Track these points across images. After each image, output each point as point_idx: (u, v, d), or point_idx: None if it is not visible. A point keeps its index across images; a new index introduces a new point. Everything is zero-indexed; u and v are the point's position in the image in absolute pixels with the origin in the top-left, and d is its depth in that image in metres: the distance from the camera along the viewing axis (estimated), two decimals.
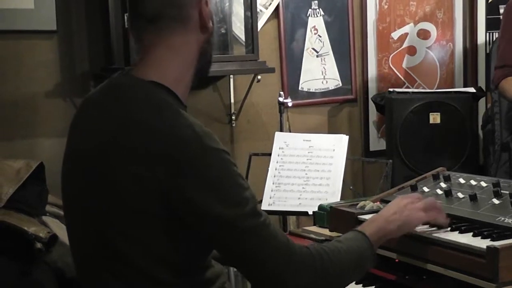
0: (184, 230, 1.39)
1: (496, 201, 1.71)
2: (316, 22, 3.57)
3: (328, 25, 3.59)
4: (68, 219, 1.57)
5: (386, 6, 3.75)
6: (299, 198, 2.53)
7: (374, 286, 1.73)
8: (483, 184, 1.84)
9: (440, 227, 1.63)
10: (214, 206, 1.35)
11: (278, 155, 2.67)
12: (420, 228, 1.63)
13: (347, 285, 1.57)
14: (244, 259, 1.40)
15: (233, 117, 3.35)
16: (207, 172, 1.36)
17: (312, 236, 2.08)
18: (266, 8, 3.42)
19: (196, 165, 1.35)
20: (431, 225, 1.64)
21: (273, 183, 2.58)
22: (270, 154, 2.68)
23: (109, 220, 1.41)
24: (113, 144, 1.40)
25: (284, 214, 2.86)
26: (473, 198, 1.74)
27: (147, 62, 1.48)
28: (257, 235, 1.38)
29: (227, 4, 3.17)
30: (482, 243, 1.49)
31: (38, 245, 2.28)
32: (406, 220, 1.58)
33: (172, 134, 1.36)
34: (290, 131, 3.15)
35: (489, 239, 1.52)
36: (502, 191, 1.74)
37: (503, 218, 1.62)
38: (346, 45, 3.65)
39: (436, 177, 1.97)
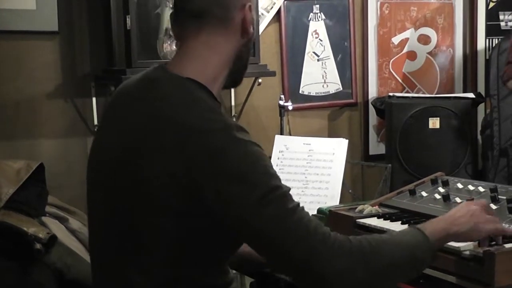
0: (214, 227, 1.38)
1: (493, 206, 1.72)
2: (317, 26, 3.59)
3: (329, 29, 3.61)
4: (92, 213, 1.55)
5: (387, 11, 3.77)
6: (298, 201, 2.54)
7: None
8: (481, 189, 1.85)
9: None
10: (244, 195, 1.33)
11: (278, 158, 2.68)
12: None
13: (400, 281, 1.48)
14: (274, 247, 1.35)
15: (234, 120, 3.36)
16: (236, 162, 1.34)
17: None
18: (268, 12, 3.43)
19: (225, 156, 1.34)
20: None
21: None
22: (270, 157, 2.69)
23: (138, 216, 1.40)
24: (145, 140, 1.40)
25: None
26: None
27: (185, 58, 1.49)
28: (287, 221, 1.33)
29: None
30: (479, 248, 1.50)
31: (38, 245, 2.28)
32: (474, 227, 1.50)
33: (203, 129, 1.36)
34: (290, 135, 3.15)
35: None
36: (499, 196, 1.75)
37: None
38: (347, 50, 3.67)
39: (434, 182, 1.98)
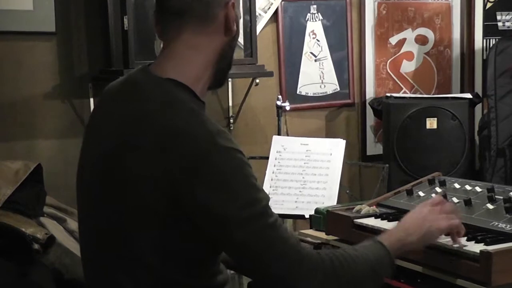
0: (196, 230, 1.38)
1: (490, 206, 1.72)
2: (315, 26, 3.59)
3: (326, 30, 3.61)
4: (81, 216, 1.55)
5: (384, 12, 3.77)
6: (296, 202, 2.54)
7: None
8: (478, 189, 1.85)
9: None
10: (225, 206, 1.34)
11: (276, 159, 2.68)
12: None
13: None
14: (252, 261, 1.38)
15: (231, 120, 3.36)
16: (218, 170, 1.34)
17: (309, 239, 2.09)
18: (265, 12, 3.44)
19: (208, 163, 1.34)
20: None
21: (270, 187, 2.59)
22: (267, 158, 2.69)
23: (125, 219, 1.40)
24: (128, 143, 1.40)
25: (281, 217, 2.87)
26: (467, 203, 1.75)
27: (167, 58, 1.47)
28: (267, 236, 1.36)
29: None
30: (475, 247, 1.50)
31: (36, 246, 2.28)
32: (427, 232, 1.54)
33: (185, 133, 1.35)
34: (287, 135, 3.16)
35: (483, 244, 1.53)
36: (496, 196, 1.75)
37: (496, 223, 1.63)
38: (344, 50, 3.67)
39: (431, 182, 1.98)
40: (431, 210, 1.58)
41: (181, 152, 1.34)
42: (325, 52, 3.62)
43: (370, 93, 3.75)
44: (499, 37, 3.81)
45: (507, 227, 1.60)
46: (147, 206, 1.37)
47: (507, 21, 4.01)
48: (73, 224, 2.58)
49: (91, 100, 3.03)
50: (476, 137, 3.83)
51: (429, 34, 3.89)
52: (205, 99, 1.50)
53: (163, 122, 1.37)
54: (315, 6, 3.57)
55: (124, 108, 1.44)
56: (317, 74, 3.61)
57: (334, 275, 1.39)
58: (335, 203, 2.46)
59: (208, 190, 1.34)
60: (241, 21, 3.20)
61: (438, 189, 1.92)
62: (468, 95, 3.62)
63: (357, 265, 1.43)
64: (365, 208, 1.88)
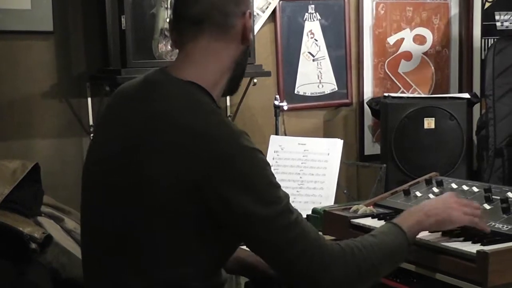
0: (215, 229, 1.39)
1: (487, 206, 1.73)
2: (313, 26, 3.59)
3: (324, 30, 3.61)
4: (86, 213, 1.55)
5: (382, 11, 3.77)
6: (293, 201, 2.50)
7: None
8: (475, 189, 1.85)
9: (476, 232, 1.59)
10: (249, 205, 1.36)
11: (273, 159, 2.68)
12: None
13: (381, 278, 1.58)
14: (277, 257, 1.41)
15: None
16: (242, 171, 1.37)
17: None
18: (263, 12, 3.43)
19: (232, 163, 1.36)
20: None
21: None
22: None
23: (137, 217, 1.40)
24: (145, 140, 1.40)
25: None
26: None
27: (186, 63, 1.49)
28: (290, 233, 1.39)
29: None
30: (472, 248, 1.51)
31: (33, 245, 2.28)
32: (447, 218, 1.57)
33: (208, 133, 1.37)
34: (285, 135, 3.16)
35: (479, 244, 1.53)
36: (493, 197, 1.76)
37: (493, 223, 1.63)
38: (342, 50, 3.67)
39: (429, 182, 1.99)
40: (457, 201, 1.61)
41: (205, 152, 1.36)
42: (323, 52, 3.62)
43: (368, 93, 3.75)
44: (497, 37, 3.81)
45: (504, 227, 1.60)
46: (163, 206, 1.37)
47: (506, 21, 4.01)
48: (71, 224, 2.57)
49: (89, 99, 3.03)
50: (474, 137, 3.84)
51: (427, 34, 3.89)
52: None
53: (185, 122, 1.38)
54: (313, 5, 3.57)
55: (142, 106, 1.45)
56: (315, 74, 3.61)
57: (355, 265, 1.43)
58: (332, 203, 2.47)
59: (232, 190, 1.36)
60: None
61: (435, 189, 1.92)
62: (466, 95, 3.62)
63: (377, 253, 1.47)
64: (362, 208, 1.88)
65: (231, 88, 1.57)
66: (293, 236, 1.39)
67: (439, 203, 1.60)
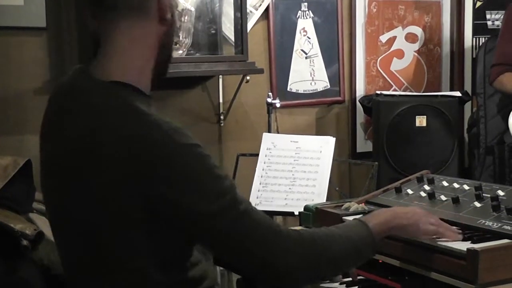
0: (168, 230, 1.39)
1: (477, 204, 1.74)
2: (306, 24, 3.59)
3: (317, 27, 3.62)
4: (53, 222, 1.56)
5: (375, 10, 3.78)
6: (285, 199, 2.55)
7: (357, 287, 1.75)
8: (466, 187, 1.86)
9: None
10: (193, 204, 1.35)
11: (266, 156, 2.69)
12: None
13: (345, 271, 1.59)
14: (231, 251, 1.40)
15: (222, 117, 3.36)
16: (180, 170, 1.35)
17: None
18: (256, 9, 3.44)
19: (168, 164, 1.34)
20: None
21: (260, 183, 2.60)
22: (257, 155, 2.70)
23: (94, 225, 1.41)
24: (87, 154, 1.39)
25: (270, 214, 2.87)
26: (455, 201, 1.77)
27: (107, 57, 1.45)
28: (242, 225, 1.38)
29: (217, 4, 3.18)
30: (462, 246, 1.52)
31: (25, 242, 2.27)
32: (414, 224, 1.56)
33: (141, 138, 1.34)
34: (278, 132, 3.16)
35: (470, 242, 1.54)
36: (483, 195, 1.76)
37: (483, 221, 1.64)
38: (335, 47, 3.68)
39: (420, 180, 2.00)
40: (426, 214, 1.61)
41: (142, 158, 1.33)
42: (316, 49, 3.62)
43: (360, 90, 3.76)
44: (488, 36, 3.82)
45: (494, 225, 1.61)
46: (116, 212, 1.37)
47: (497, 20, 4.02)
48: None
49: None
50: (466, 135, 3.86)
51: (419, 32, 3.91)
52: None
53: (117, 130, 1.36)
54: (306, 3, 3.58)
55: (74, 119, 1.42)
56: (307, 72, 3.62)
57: (313, 252, 1.43)
58: (324, 200, 2.48)
59: (175, 191, 1.35)
60: (232, 18, 3.21)
61: (426, 187, 1.93)
62: (458, 93, 3.64)
63: (338, 243, 1.47)
64: (353, 206, 1.89)
65: (160, 72, 1.51)
66: (245, 228, 1.38)
67: (410, 210, 1.61)
